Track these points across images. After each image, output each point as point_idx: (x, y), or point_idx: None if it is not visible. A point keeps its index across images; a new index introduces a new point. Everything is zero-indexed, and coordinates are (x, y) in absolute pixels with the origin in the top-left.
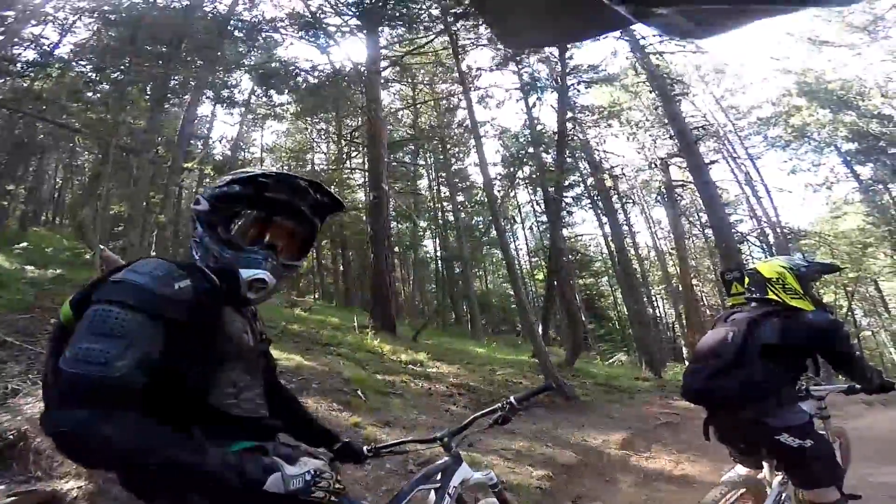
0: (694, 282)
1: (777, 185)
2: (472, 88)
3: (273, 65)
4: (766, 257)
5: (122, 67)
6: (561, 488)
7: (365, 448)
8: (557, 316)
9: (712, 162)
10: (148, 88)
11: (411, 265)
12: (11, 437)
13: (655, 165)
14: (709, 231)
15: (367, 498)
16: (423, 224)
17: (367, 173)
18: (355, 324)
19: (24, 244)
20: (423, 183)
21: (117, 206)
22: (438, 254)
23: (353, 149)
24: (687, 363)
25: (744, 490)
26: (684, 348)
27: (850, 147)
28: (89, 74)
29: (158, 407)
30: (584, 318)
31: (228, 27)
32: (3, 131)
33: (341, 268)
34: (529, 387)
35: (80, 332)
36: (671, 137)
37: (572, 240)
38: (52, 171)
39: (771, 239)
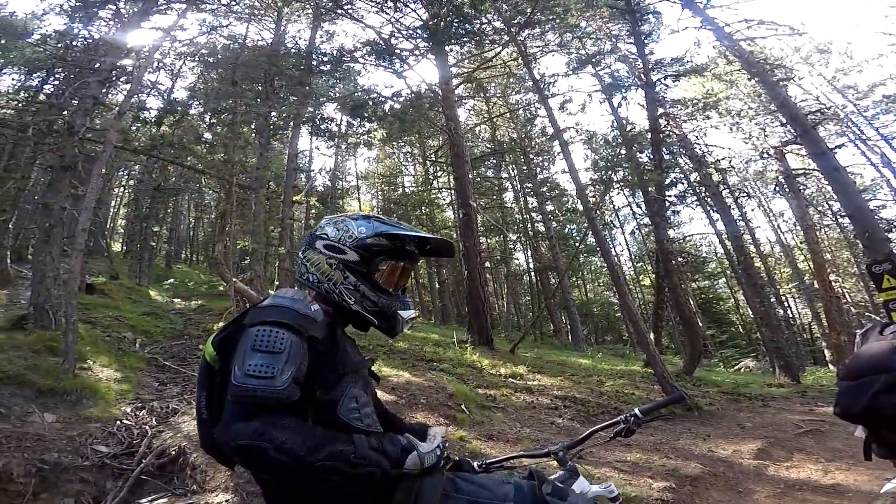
0: (832, 277)
1: None
2: (549, 95)
3: (358, 94)
4: None
5: (229, 106)
6: (686, 500)
7: (476, 464)
8: (669, 323)
9: (839, 146)
10: (253, 126)
11: (504, 279)
12: (173, 452)
13: (769, 155)
14: (845, 220)
15: None
16: (512, 237)
17: (453, 191)
18: (454, 339)
19: (171, 280)
20: (508, 196)
21: (242, 241)
22: (531, 265)
23: (438, 168)
24: (832, 366)
25: None
26: (826, 350)
27: None
28: (204, 116)
29: (299, 418)
30: (700, 324)
31: (313, 61)
32: (144, 176)
33: (437, 285)
34: (644, 398)
35: (245, 350)
36: (782, 125)
37: (681, 241)
38: (185, 211)
39: None
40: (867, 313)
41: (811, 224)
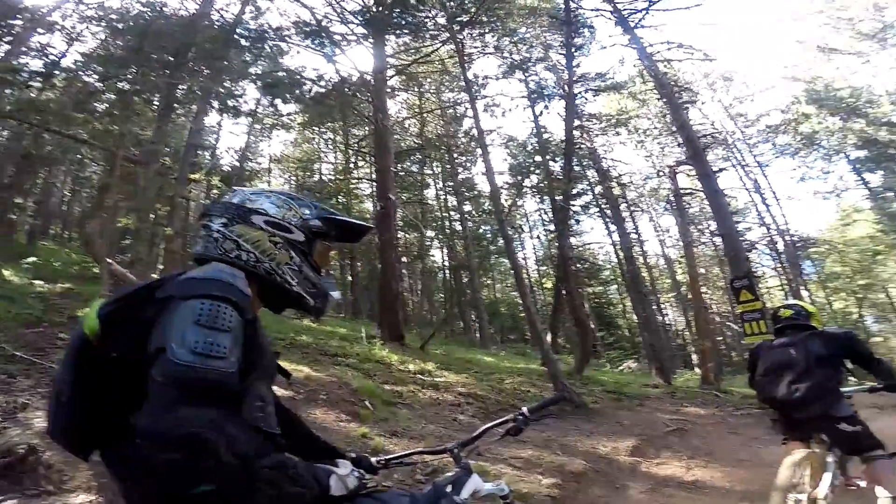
0: (703, 289)
1: (786, 193)
2: (479, 97)
3: (279, 74)
4: (776, 263)
5: (128, 77)
6: (571, 496)
7: (374, 460)
8: (566, 324)
9: (721, 170)
10: (154, 98)
11: (419, 275)
12: (22, 451)
13: (663, 173)
14: (718, 239)
15: None
16: (430, 234)
17: (374, 183)
18: (363, 334)
19: (33, 259)
20: (430, 192)
21: (125, 218)
22: (446, 263)
23: (360, 158)
24: (698, 369)
25: (808, 467)
26: (693, 355)
27: (859, 154)
28: (95, 84)
29: None
30: (593, 326)
31: (235, 36)
32: (9, 143)
33: (350, 278)
34: (539, 395)
35: (184, 324)
36: (679, 145)
37: (580, 248)
38: (60, 183)
39: (780, 247)
40: (728, 322)
41: (690, 240)
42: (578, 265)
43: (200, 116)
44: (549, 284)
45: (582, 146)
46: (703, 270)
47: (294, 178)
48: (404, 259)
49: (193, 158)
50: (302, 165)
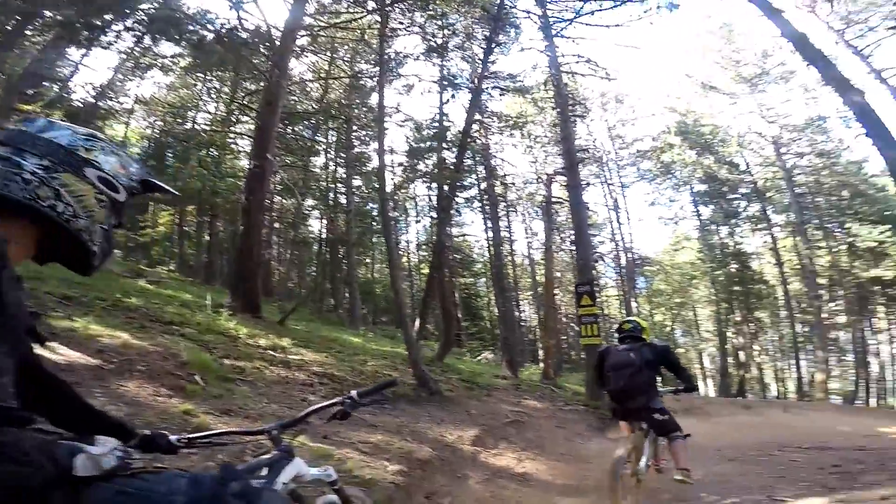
0: (556, 292)
1: (637, 214)
2: (393, 75)
3: (167, 12)
4: (617, 276)
5: None
6: (415, 484)
7: (174, 438)
8: (436, 311)
9: (589, 184)
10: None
11: (290, 244)
12: None
13: (542, 180)
14: (573, 247)
15: None
16: (310, 202)
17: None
18: (208, 301)
19: None
20: (319, 160)
21: None
22: (324, 235)
23: (243, 113)
24: (542, 364)
25: (634, 445)
26: (540, 351)
27: (701, 188)
28: None
29: None
30: (459, 316)
31: None
32: None
33: (207, 237)
34: (400, 380)
35: None
36: (560, 156)
37: (459, 239)
38: None
39: (623, 262)
40: (572, 323)
41: (551, 245)
42: (455, 255)
43: (59, 45)
44: (426, 270)
45: (477, 141)
46: (558, 274)
47: (161, 122)
48: (277, 225)
49: (34, 89)
50: (173, 111)
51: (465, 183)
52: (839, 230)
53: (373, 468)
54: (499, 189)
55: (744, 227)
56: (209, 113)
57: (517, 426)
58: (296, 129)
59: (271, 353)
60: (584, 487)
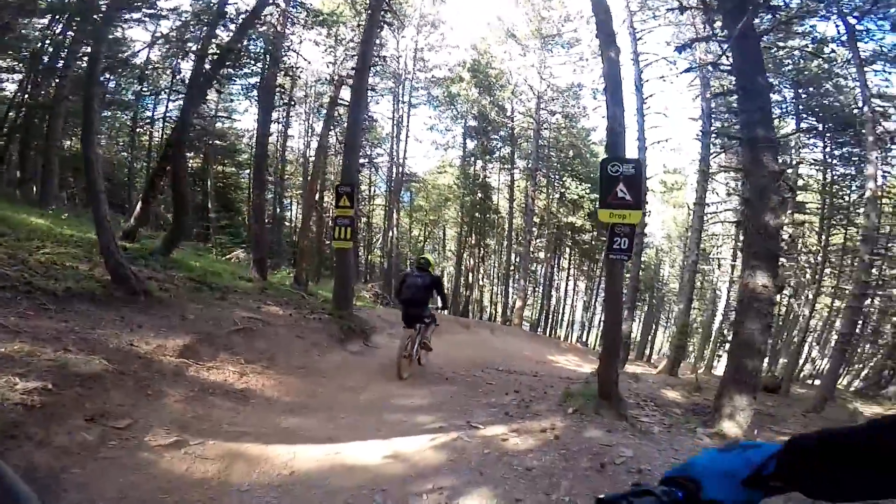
0: (328, 197)
1: (416, 135)
2: None
3: None
4: (386, 189)
5: None
6: (69, 404)
7: None
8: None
9: (382, 97)
10: None
11: None
12: None
13: (334, 80)
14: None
15: None
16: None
17: None
18: None
19: None
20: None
21: None
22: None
23: None
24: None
25: (410, 338)
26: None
27: (473, 124)
28: None
29: None
30: (211, 207)
31: None
32: None
33: None
34: (86, 272)
35: None
36: (354, 57)
37: (225, 125)
38: None
39: (393, 174)
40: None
41: (326, 144)
42: (217, 142)
43: None
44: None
45: (273, 28)
46: (332, 177)
47: None
48: None
49: None
50: None
51: (247, 70)
52: (558, 181)
53: None
54: (280, 80)
55: (495, 164)
56: None
57: (246, 335)
58: None
59: None
60: (313, 406)
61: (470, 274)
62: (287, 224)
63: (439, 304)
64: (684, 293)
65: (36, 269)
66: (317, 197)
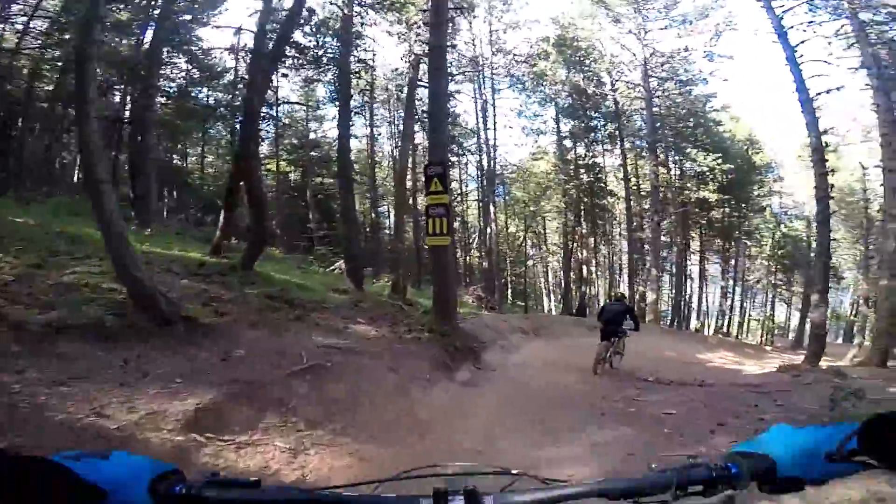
0: (419, 198)
1: (504, 122)
2: None
3: None
4: (478, 185)
5: None
6: None
7: None
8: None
9: (453, 75)
10: None
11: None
12: None
13: (410, 60)
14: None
15: None
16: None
17: None
18: None
19: None
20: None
21: None
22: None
23: None
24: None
25: (607, 351)
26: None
27: (565, 104)
28: None
29: None
30: (311, 217)
31: None
32: None
33: None
34: (105, 295)
35: None
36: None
37: (320, 135)
38: None
39: (484, 164)
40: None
41: (410, 132)
42: (313, 152)
43: None
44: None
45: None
46: (422, 178)
47: None
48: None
49: None
50: None
51: (316, 53)
52: (679, 154)
53: None
54: (359, 68)
55: (598, 145)
56: None
57: (315, 376)
58: None
59: None
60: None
61: (583, 267)
62: (385, 231)
63: (632, 325)
64: (887, 265)
65: (51, 291)
66: (409, 189)
